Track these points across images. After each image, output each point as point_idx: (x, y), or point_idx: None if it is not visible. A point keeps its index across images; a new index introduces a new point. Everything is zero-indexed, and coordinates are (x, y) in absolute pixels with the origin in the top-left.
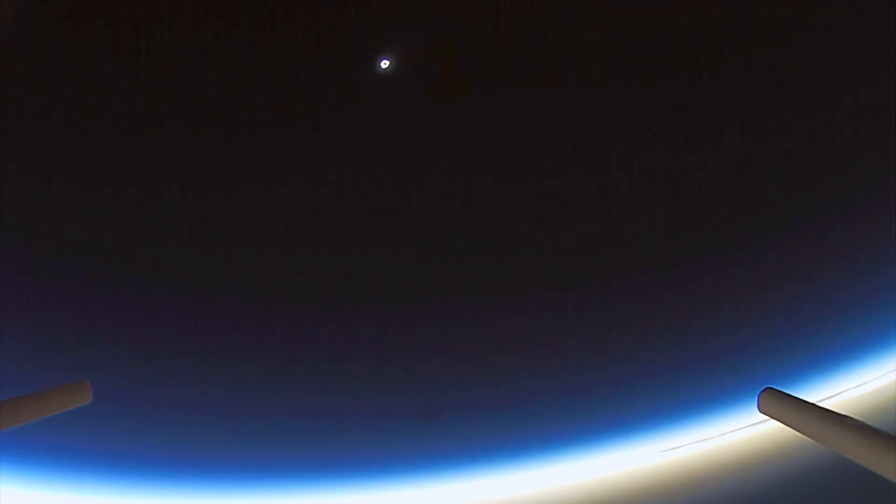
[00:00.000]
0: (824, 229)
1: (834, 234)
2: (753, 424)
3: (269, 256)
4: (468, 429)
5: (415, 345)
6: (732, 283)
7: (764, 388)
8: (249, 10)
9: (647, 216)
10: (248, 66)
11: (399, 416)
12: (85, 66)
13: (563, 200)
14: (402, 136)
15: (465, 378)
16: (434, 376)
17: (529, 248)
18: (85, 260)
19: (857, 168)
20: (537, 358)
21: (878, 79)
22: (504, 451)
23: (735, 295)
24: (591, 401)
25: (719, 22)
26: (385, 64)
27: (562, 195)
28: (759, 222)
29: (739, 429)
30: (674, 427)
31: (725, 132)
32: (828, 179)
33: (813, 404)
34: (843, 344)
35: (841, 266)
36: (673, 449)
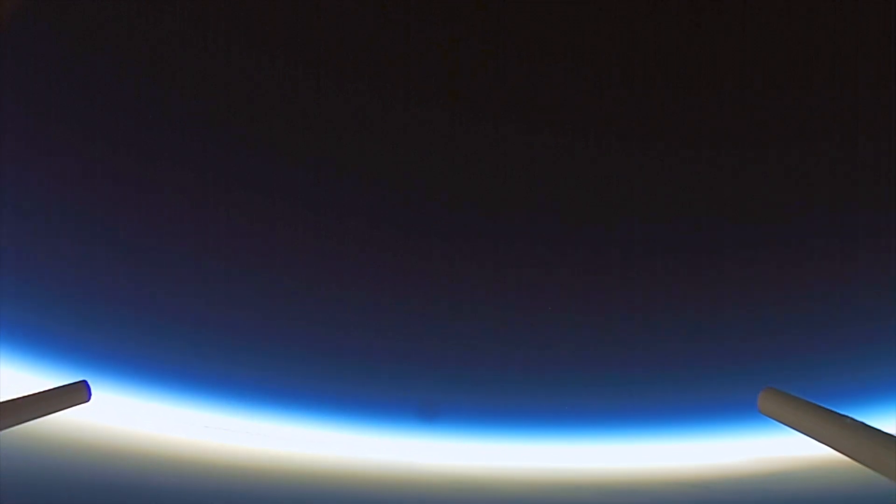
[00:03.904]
0: (829, 228)
1: (838, 233)
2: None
3: None
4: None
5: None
6: (735, 280)
7: (764, 388)
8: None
9: (648, 215)
10: None
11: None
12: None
13: (559, 201)
14: None
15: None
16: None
17: (526, 247)
18: None
19: (861, 167)
20: (537, 356)
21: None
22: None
23: (736, 294)
24: (585, 395)
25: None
26: None
27: (557, 196)
28: (762, 222)
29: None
30: (669, 429)
31: (726, 132)
32: (830, 178)
33: (812, 404)
34: (846, 344)
35: (846, 265)
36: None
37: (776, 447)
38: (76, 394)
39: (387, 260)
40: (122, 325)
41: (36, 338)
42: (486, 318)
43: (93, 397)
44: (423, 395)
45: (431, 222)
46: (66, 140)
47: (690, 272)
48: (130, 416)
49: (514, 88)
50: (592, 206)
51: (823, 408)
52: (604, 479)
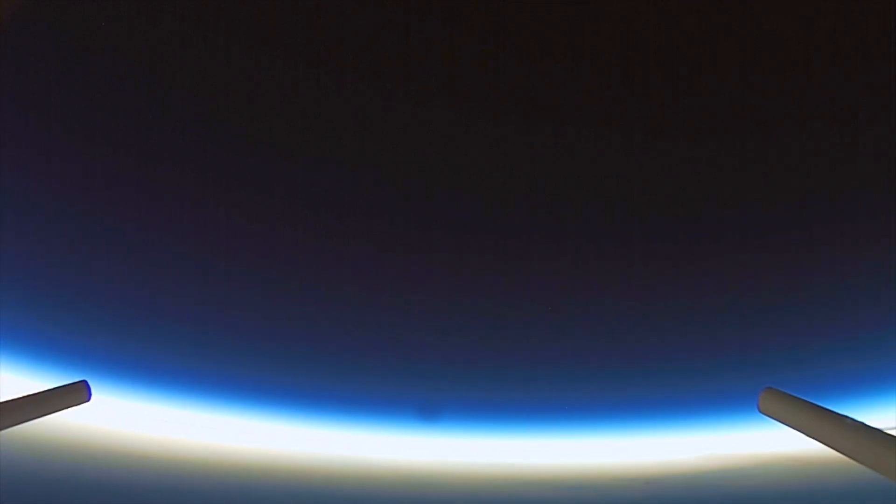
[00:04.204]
0: (831, 225)
1: (840, 230)
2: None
3: None
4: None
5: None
6: (734, 278)
7: (764, 388)
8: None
9: (646, 211)
10: None
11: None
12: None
13: (559, 199)
14: None
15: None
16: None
17: (527, 245)
18: None
19: (862, 163)
20: (535, 354)
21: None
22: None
23: (735, 291)
24: (584, 396)
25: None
26: None
27: (556, 194)
28: (763, 218)
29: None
30: (666, 426)
31: (728, 125)
32: (832, 175)
33: (812, 404)
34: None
35: (848, 262)
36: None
37: (773, 444)
38: (76, 394)
39: (387, 259)
40: (122, 326)
41: (35, 339)
42: (487, 314)
43: (93, 397)
44: (424, 393)
45: (432, 221)
46: (66, 140)
47: (690, 270)
48: (130, 417)
49: (514, 88)
50: (592, 204)
51: (823, 408)
52: (600, 476)
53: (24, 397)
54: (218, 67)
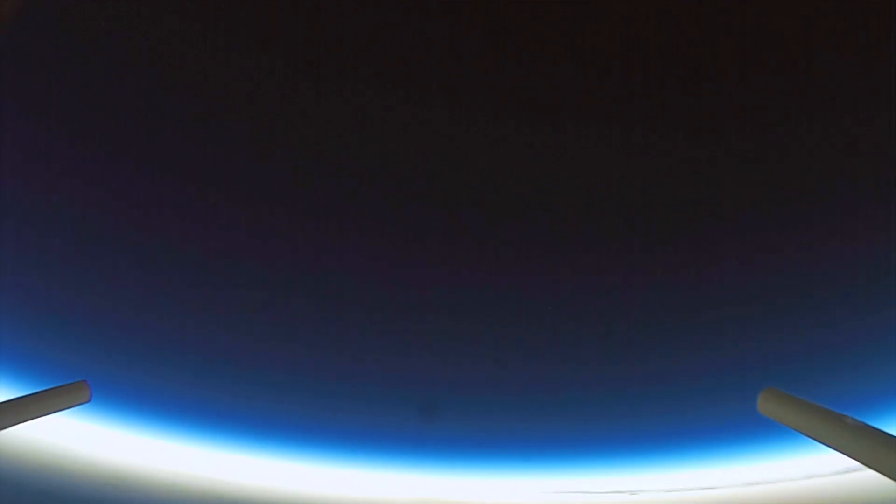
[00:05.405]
0: (834, 224)
1: (843, 230)
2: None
3: None
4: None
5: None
6: (736, 277)
7: (764, 388)
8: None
9: (645, 214)
10: None
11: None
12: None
13: (560, 201)
14: None
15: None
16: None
17: (529, 250)
18: None
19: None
20: (525, 366)
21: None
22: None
23: (737, 291)
24: (578, 413)
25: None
26: None
27: (558, 195)
28: (763, 218)
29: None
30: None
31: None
32: (834, 174)
33: (812, 404)
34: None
35: (849, 262)
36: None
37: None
38: (76, 394)
39: (389, 263)
40: (122, 330)
41: (34, 345)
42: (487, 322)
43: (93, 398)
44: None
45: (433, 225)
46: (67, 141)
47: (692, 272)
48: (131, 424)
49: (514, 88)
50: (593, 206)
51: (823, 408)
52: None
53: (24, 397)
54: (218, 67)
